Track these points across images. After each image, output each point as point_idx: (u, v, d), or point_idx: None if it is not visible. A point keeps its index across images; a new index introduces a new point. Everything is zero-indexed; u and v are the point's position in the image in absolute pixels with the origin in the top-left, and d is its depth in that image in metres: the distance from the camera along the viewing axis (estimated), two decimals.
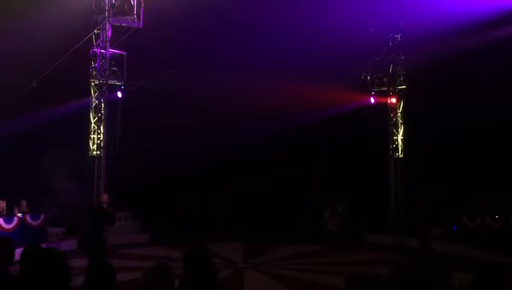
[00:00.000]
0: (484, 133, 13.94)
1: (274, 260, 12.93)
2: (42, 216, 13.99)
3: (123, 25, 15.58)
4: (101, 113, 15.78)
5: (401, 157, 16.24)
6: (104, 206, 12.85)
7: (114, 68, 16.13)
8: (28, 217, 13.65)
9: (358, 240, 15.41)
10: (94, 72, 15.82)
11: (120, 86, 16.49)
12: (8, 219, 13.25)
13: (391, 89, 16.35)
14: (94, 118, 15.90)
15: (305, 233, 16.11)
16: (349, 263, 12.43)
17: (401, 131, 16.42)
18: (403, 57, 16.03)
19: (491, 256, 11.26)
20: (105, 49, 15.59)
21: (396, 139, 16.39)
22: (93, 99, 15.93)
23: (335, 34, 14.28)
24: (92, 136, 15.85)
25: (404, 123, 16.40)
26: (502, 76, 13.23)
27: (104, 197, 13.36)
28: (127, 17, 15.28)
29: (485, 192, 13.52)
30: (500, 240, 12.45)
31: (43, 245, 12.91)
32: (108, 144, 15.82)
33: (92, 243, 9.76)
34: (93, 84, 15.94)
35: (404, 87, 16.27)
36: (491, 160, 13.76)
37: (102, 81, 15.69)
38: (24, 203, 14.04)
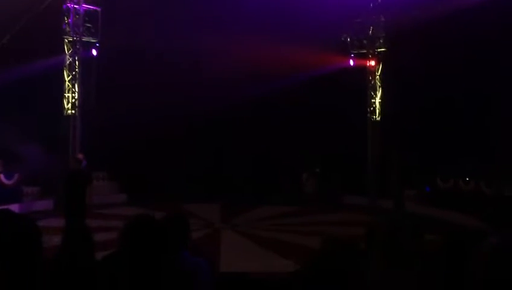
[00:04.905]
0: (461, 96, 14.11)
1: (251, 221, 13.10)
2: (16, 175, 13.79)
3: None
4: (76, 71, 15.38)
5: (378, 120, 16.38)
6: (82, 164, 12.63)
7: (88, 25, 15.61)
8: (1, 176, 13.45)
9: (335, 201, 15.68)
10: (67, 29, 15.30)
11: (95, 43, 16.00)
12: None
13: (370, 51, 16.32)
14: (68, 76, 15.49)
15: (283, 195, 16.30)
16: (326, 223, 12.64)
17: (379, 94, 16.50)
18: (383, 19, 15.92)
19: (463, 220, 11.61)
20: (78, 4, 15.06)
21: (374, 102, 16.48)
22: (67, 56, 15.48)
23: None
24: (66, 95, 15.49)
25: (382, 86, 16.46)
26: (484, 40, 13.26)
27: (80, 157, 13.14)
28: None
29: (459, 155, 13.79)
30: (471, 203, 12.78)
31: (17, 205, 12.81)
32: (83, 103, 15.50)
33: (69, 204, 9.59)
34: (66, 41, 15.45)
35: (383, 50, 16.25)
36: (467, 123, 13.99)
37: (76, 38, 15.22)
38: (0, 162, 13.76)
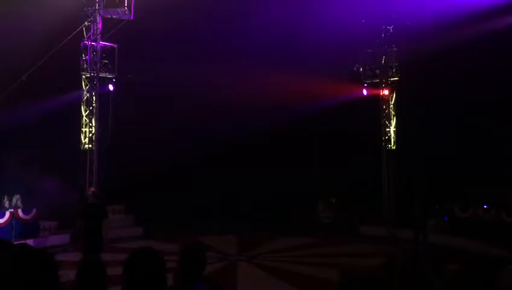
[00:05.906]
0: (476, 125, 13.99)
1: (267, 253, 12.94)
2: (34, 210, 13.88)
3: (114, 17, 15.43)
4: (93, 106, 15.66)
5: (393, 149, 16.30)
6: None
7: (105, 61, 15.99)
8: (19, 212, 13.55)
9: (352, 232, 15.46)
10: (85, 65, 15.68)
11: (111, 78, 16.35)
12: (0, 214, 13.14)
13: (383, 80, 16.39)
14: (85, 111, 15.77)
15: (299, 225, 16.14)
16: (343, 255, 12.45)
17: (393, 123, 16.47)
18: (395, 49, 16.05)
19: (483, 248, 11.33)
20: (96, 41, 15.45)
21: (389, 131, 16.44)
22: (85, 92, 15.80)
23: (328, 26, 14.24)
24: (83, 130, 15.75)
25: (396, 115, 16.45)
26: (495, 69, 13.24)
27: (92, 190, 13.19)
28: (118, 9, 15.15)
29: (477, 183, 13.58)
30: (491, 232, 12.51)
31: (34, 240, 12.87)
32: (100, 137, 15.71)
33: (85, 238, 9.58)
34: (84, 77, 15.81)
35: (396, 79, 16.32)
36: (484, 152, 13.82)
37: (94, 74, 15.56)
38: (18, 197, 13.90)
